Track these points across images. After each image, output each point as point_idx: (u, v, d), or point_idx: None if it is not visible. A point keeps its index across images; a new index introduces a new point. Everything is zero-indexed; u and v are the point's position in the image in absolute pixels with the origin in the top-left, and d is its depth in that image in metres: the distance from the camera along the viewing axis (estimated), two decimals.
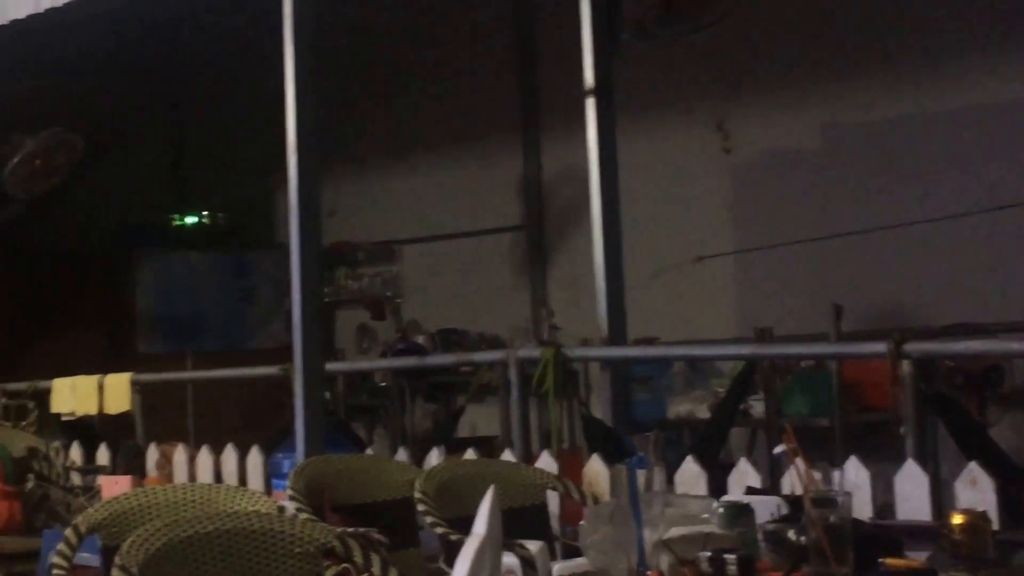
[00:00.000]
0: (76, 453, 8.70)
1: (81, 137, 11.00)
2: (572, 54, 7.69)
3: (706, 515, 4.04)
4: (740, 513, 4.01)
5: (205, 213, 15.23)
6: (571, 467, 6.20)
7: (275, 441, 8.29)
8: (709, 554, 3.60)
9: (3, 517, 7.34)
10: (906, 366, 5.65)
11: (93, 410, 9.46)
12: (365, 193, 13.95)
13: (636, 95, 9.80)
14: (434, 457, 6.89)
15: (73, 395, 9.54)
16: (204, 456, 8.15)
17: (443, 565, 4.79)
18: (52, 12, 8.22)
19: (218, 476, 8.00)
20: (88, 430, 9.50)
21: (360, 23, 12.70)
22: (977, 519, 3.87)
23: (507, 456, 6.68)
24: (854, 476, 5.02)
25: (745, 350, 8.21)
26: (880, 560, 3.68)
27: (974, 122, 9.91)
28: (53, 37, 9.73)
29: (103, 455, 8.69)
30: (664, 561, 3.72)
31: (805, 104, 10.80)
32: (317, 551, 3.93)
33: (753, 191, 11.25)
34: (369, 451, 7.74)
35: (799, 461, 3.77)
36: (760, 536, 3.89)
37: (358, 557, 3.92)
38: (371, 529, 4.75)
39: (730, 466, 5.64)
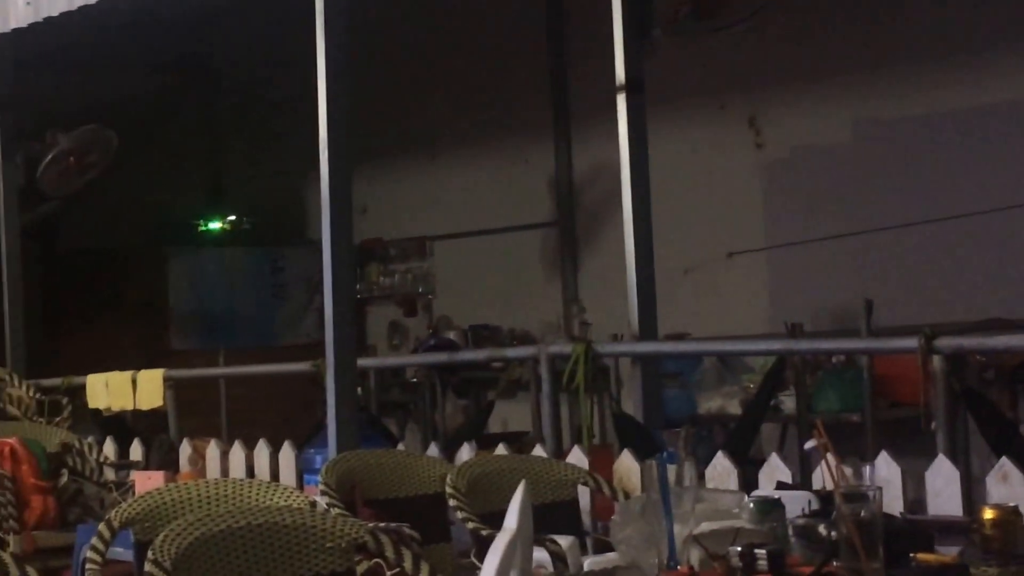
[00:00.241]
0: (110, 448, 8.73)
1: (115, 134, 11.05)
2: (603, 50, 7.69)
3: (736, 510, 4.05)
4: (771, 508, 4.01)
5: (238, 210, 15.29)
6: (602, 463, 6.21)
7: (308, 437, 8.33)
8: (739, 549, 3.60)
9: (37, 512, 7.37)
10: (937, 361, 5.65)
11: (127, 406, 9.51)
12: (397, 189, 13.97)
13: (667, 91, 9.79)
14: (465, 452, 6.90)
15: (107, 391, 9.59)
16: (237, 452, 8.17)
17: (474, 560, 4.81)
18: (86, 9, 8.27)
19: (251, 471, 8.01)
20: (122, 426, 9.55)
21: (392, 21, 12.71)
22: (1008, 514, 3.85)
23: (538, 452, 6.68)
24: (885, 471, 5.01)
25: (776, 346, 8.21)
26: (911, 555, 3.68)
27: (1007, 117, 9.88)
28: (87, 34, 9.78)
29: (136, 451, 8.73)
30: (694, 556, 3.73)
31: (837, 99, 10.77)
32: (349, 546, 3.94)
33: (785, 186, 11.23)
34: (401, 446, 7.75)
35: (830, 456, 3.77)
36: (790, 531, 3.89)
37: (390, 552, 3.94)
38: (402, 524, 4.77)
39: (761, 461, 5.64)
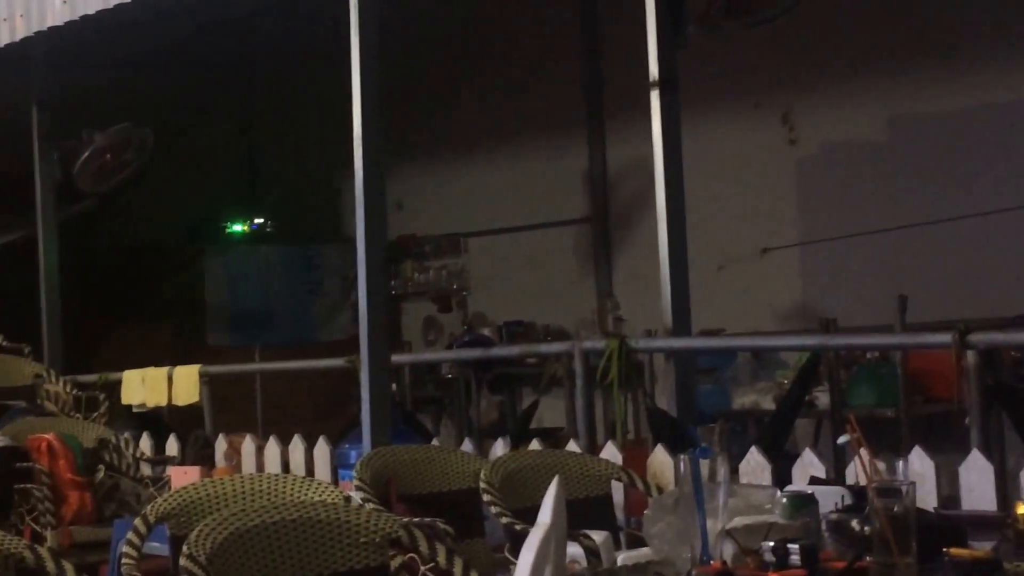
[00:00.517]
0: (146, 444, 8.78)
1: (151, 132, 11.10)
2: (637, 46, 7.69)
3: (770, 505, 4.05)
4: (804, 503, 4.00)
5: (274, 207, 15.33)
6: (636, 458, 6.21)
7: (342, 432, 8.36)
8: (772, 544, 3.60)
9: (74, 507, 7.43)
10: (971, 357, 5.64)
11: (163, 401, 9.56)
12: (431, 186, 13.99)
13: (701, 87, 9.78)
14: (499, 448, 6.92)
15: (143, 387, 9.64)
16: (272, 447, 8.21)
17: (508, 555, 4.82)
18: (122, 7, 8.31)
19: (286, 467, 8.04)
20: (158, 421, 9.60)
21: (427, 18, 12.74)
22: None
23: (572, 447, 6.69)
24: (919, 466, 5.01)
25: (810, 341, 8.21)
26: (944, 550, 3.68)
27: None
28: (123, 32, 9.82)
29: (172, 446, 8.77)
30: (727, 551, 3.73)
31: (871, 95, 10.75)
32: (383, 541, 3.96)
33: (818, 183, 11.21)
34: (435, 442, 7.77)
35: (863, 451, 3.77)
36: (824, 526, 3.88)
37: (424, 547, 3.95)
38: (436, 519, 4.78)
39: (795, 457, 5.65)
